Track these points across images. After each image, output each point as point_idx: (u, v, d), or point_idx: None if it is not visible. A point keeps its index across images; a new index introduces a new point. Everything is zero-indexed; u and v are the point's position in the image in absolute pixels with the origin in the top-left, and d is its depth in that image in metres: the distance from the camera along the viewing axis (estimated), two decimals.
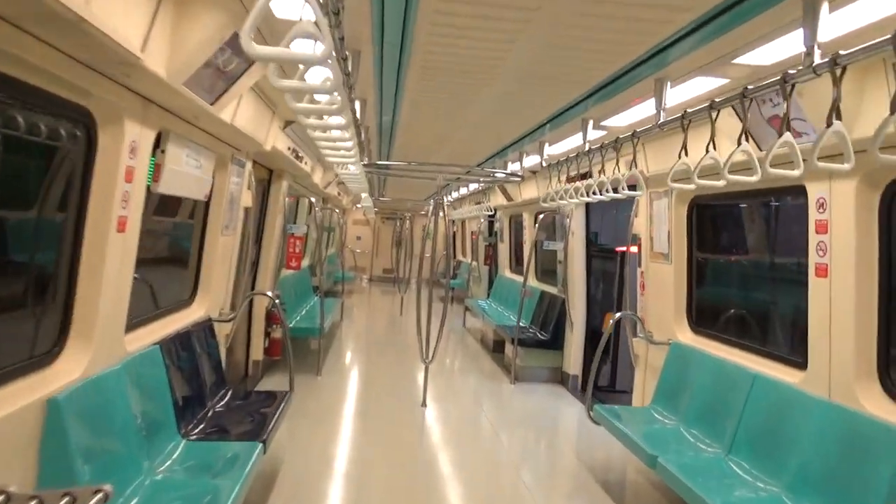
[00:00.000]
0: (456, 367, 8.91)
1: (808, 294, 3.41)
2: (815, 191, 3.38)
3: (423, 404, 6.41)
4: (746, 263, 4.96)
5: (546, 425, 6.56)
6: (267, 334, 7.13)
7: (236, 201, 4.82)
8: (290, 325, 7.43)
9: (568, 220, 7.58)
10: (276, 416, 4.03)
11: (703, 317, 4.94)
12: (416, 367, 7.76)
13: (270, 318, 7.12)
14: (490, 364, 8.86)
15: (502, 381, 7.86)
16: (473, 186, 10.96)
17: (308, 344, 7.92)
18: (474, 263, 14.14)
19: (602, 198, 4.93)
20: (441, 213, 6.31)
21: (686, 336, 4.89)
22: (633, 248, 7.60)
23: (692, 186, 3.48)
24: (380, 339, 10.99)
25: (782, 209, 4.15)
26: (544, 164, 5.81)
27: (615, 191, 4.76)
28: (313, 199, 7.43)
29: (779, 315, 4.31)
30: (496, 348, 9.44)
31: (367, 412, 6.26)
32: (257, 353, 7.06)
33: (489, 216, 12.77)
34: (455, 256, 18.45)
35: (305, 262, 11.05)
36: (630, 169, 4.42)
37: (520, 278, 10.09)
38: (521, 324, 8.13)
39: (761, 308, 4.61)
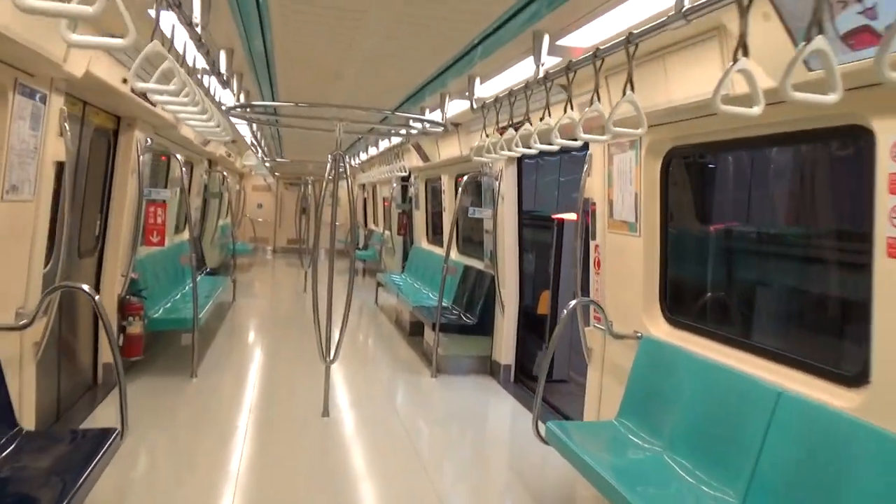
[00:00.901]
0: (367, 355, 7.62)
1: (874, 282, 2.33)
2: (888, 131, 2.27)
3: (325, 414, 5.10)
4: (750, 236, 3.90)
5: (474, 428, 5.41)
6: (122, 330, 5.57)
7: (30, 153, 3.27)
8: (154, 317, 5.90)
9: (497, 183, 6.37)
10: (81, 482, 2.61)
11: (682, 305, 3.88)
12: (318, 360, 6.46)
13: (125, 309, 5.57)
14: (406, 351, 7.62)
15: (421, 373, 6.64)
16: (386, 145, 9.54)
17: (180, 339, 6.39)
18: (387, 233, 12.79)
19: (550, 147, 3.72)
20: (343, 171, 4.93)
21: (660, 329, 3.80)
22: (572, 216, 6.52)
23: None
24: (279, 322, 9.49)
25: (815, 160, 3.05)
26: (474, 105, 4.51)
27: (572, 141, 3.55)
28: (179, 157, 5.84)
29: (808, 307, 3.27)
30: (413, 331, 8.20)
31: (256, 424, 4.89)
32: (109, 353, 5.51)
33: (402, 179, 11.43)
34: (366, 225, 17.00)
35: (185, 235, 9.38)
36: (591, 104, 3.21)
37: (438, 250, 8.86)
38: (442, 305, 6.92)
39: (773, 296, 3.57)
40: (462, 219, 8.17)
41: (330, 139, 7.56)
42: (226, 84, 4.23)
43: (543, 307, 6.57)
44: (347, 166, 4.93)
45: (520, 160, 6.37)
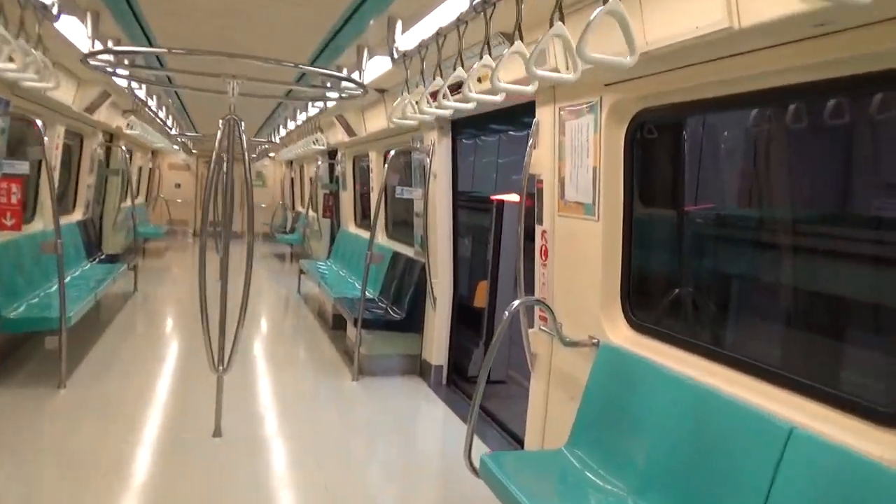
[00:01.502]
0: (280, 355, 6.71)
1: None
2: None
3: (217, 433, 4.22)
4: (748, 221, 3.20)
5: (398, 445, 4.64)
6: None
7: None
8: (9, 317, 4.84)
9: (428, 159, 5.55)
10: None
11: (650, 305, 3.19)
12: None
13: None
14: (329, 348, 6.75)
15: (343, 375, 5.80)
16: (305, 116, 8.55)
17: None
18: (313, 215, 11.81)
19: (491, 98, 2.96)
20: (240, 142, 4.01)
21: (621, 335, 3.09)
22: (514, 197, 5.79)
23: None
24: (183, 316, 8.37)
25: (840, 121, 2.34)
26: (395, 54, 3.65)
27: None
28: (40, 123, 4.76)
29: (827, 315, 2.59)
30: (337, 324, 7.33)
31: (132, 447, 3.96)
32: None
33: (330, 156, 10.48)
34: (293, 207, 15.91)
35: (77, 216, 8.18)
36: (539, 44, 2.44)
37: (367, 235, 8.02)
38: (366, 296, 6.09)
39: (777, 299, 2.88)
40: (393, 200, 7.34)
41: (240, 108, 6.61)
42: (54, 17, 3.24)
43: (481, 300, 5.83)
44: (243, 136, 4.01)
45: (454, 135, 5.57)
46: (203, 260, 4.11)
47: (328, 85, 5.25)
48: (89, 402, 4.78)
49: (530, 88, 2.86)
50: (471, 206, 6.14)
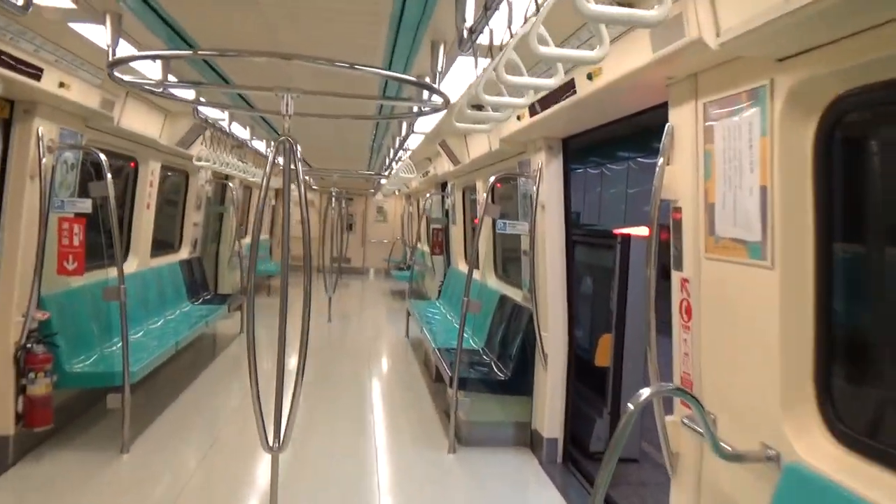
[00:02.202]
0: (369, 415, 5.83)
1: None
2: None
3: None
4: None
5: None
6: (22, 390, 4.12)
7: None
8: (71, 371, 4.41)
9: (535, 186, 4.60)
10: None
11: (867, 408, 2.02)
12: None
13: (26, 363, 4.12)
14: (429, 407, 5.87)
15: (440, 444, 4.90)
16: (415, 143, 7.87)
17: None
18: (427, 251, 11.15)
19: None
20: (294, 167, 3.28)
21: (819, 450, 1.94)
22: (643, 231, 4.70)
23: None
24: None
25: None
26: (465, 35, 2.68)
27: None
28: (103, 157, 4.34)
29: None
30: (440, 377, 6.45)
31: None
32: (5, 423, 4.07)
33: (442, 188, 9.79)
34: (412, 242, 15.41)
35: (183, 254, 7.99)
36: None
37: (479, 274, 7.16)
38: (464, 348, 5.20)
39: None
40: (501, 235, 6.44)
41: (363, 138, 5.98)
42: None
43: (603, 357, 4.73)
44: (299, 163, 3.29)
45: (567, 157, 4.59)
46: (250, 318, 3.39)
47: (407, 98, 4.48)
48: (151, 470, 4.22)
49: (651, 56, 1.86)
50: (590, 243, 5.10)
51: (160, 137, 5.82)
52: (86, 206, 4.36)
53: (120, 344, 5.18)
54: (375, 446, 4.85)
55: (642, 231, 4.54)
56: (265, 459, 3.92)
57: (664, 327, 2.70)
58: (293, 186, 3.44)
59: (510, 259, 6.92)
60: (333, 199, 11.28)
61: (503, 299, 5.81)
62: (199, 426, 5.12)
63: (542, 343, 4.60)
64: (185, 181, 8.11)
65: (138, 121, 5.26)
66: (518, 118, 4.26)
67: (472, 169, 6.90)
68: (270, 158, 3.37)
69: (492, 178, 4.81)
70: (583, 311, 5.18)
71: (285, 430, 3.39)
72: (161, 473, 4.20)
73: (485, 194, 4.85)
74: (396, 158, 8.46)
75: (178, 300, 7.22)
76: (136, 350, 5.18)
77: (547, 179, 4.53)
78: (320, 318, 10.26)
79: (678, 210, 2.58)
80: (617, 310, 4.64)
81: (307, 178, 14.92)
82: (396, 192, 18.10)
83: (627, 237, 4.50)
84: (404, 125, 5.62)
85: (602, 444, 4.72)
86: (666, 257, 2.73)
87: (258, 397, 3.31)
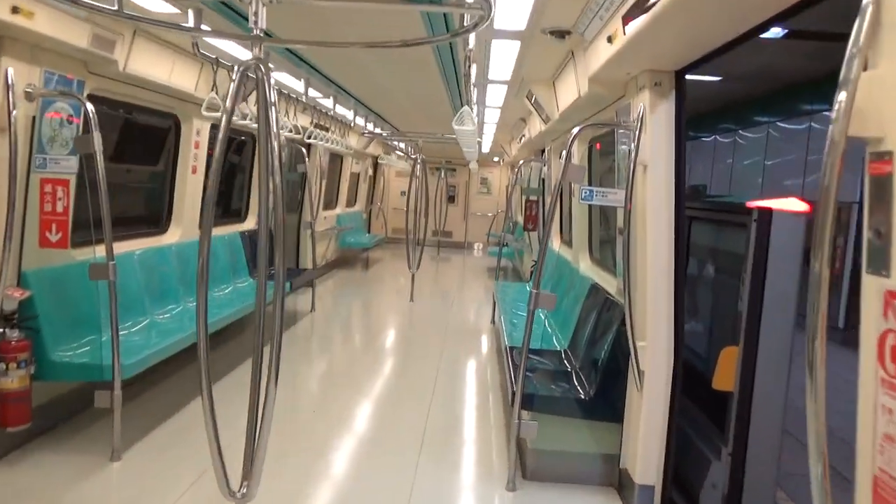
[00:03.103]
0: (428, 423, 4.73)
1: None
2: None
3: None
4: None
5: None
6: None
7: None
8: (56, 360, 3.71)
9: (633, 139, 3.31)
10: None
11: None
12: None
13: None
14: (497, 428, 4.63)
15: (497, 478, 3.79)
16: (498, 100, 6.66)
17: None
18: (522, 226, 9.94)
19: None
20: (263, 97, 2.28)
21: None
22: (796, 204, 3.30)
23: None
24: (341, 360, 6.60)
25: None
26: None
27: None
28: (90, 108, 3.53)
29: None
30: None
31: None
32: None
33: (540, 155, 8.54)
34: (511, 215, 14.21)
35: (249, 224, 7.33)
36: None
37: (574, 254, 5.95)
38: (544, 349, 4.07)
39: None
40: (594, 208, 5.18)
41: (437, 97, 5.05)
42: None
43: (724, 378, 3.41)
44: (271, 91, 2.30)
45: (680, 99, 3.27)
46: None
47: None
48: (141, 484, 3.46)
49: None
50: (711, 219, 3.75)
51: (196, 90, 5.03)
52: (70, 164, 3.60)
53: (134, 328, 4.50)
54: (414, 474, 3.81)
55: (789, 204, 3.16)
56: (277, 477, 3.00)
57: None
58: (267, 131, 2.45)
59: (610, 237, 5.63)
60: (418, 166, 10.28)
61: (594, 289, 4.58)
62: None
63: (636, 356, 3.35)
64: (253, 143, 7.42)
65: (160, 69, 4.47)
66: (609, 39, 3.00)
67: (566, 127, 5.64)
68: (232, 90, 2.38)
69: (575, 130, 3.55)
70: (697, 312, 3.87)
71: (253, 471, 2.44)
72: (152, 489, 3.42)
73: (563, 152, 3.60)
74: (480, 117, 7.29)
75: (232, 275, 6.55)
76: (151, 335, 4.47)
77: (651, 130, 3.24)
78: (400, 299, 9.37)
79: (885, 157, 1.30)
80: (748, 313, 3.30)
81: (397, 142, 14.10)
82: (499, 161, 16.90)
83: (768, 212, 3.13)
84: (473, 69, 4.47)
85: (718, 496, 3.44)
86: (835, 250, 1.45)
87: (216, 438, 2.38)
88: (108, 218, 3.57)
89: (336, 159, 11.74)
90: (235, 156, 7.59)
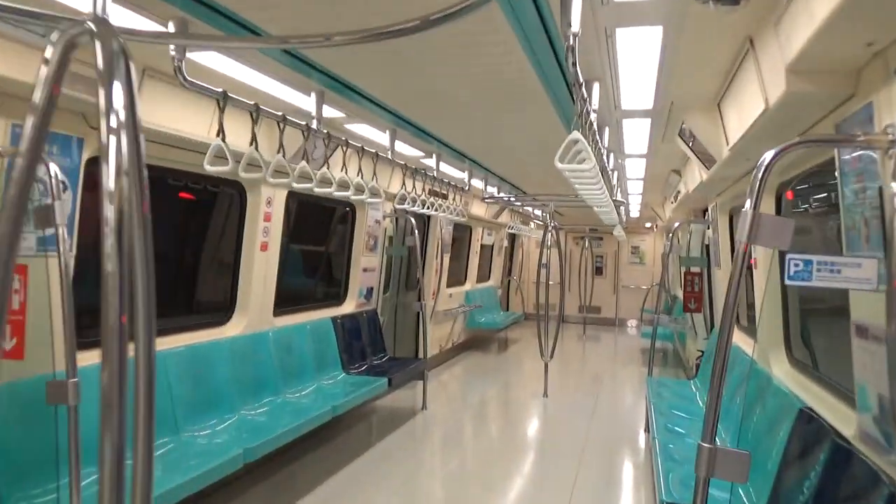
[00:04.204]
0: None
1: None
2: None
3: None
4: None
5: None
6: None
7: None
8: None
9: (881, 167, 1.75)
10: None
11: None
12: None
13: None
14: None
15: None
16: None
17: None
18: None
19: None
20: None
21: None
22: None
23: None
24: (449, 489, 4.92)
25: None
26: None
27: None
28: (54, 171, 2.61)
29: None
30: None
31: None
32: None
33: (702, 213, 6.84)
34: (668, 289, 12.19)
35: (348, 308, 6.31)
36: None
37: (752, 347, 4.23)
38: None
39: None
40: (795, 289, 3.46)
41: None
42: None
43: None
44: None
45: None
46: None
47: None
48: None
49: None
50: None
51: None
52: (28, 245, 2.67)
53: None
54: None
55: None
56: None
57: None
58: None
59: (821, 325, 3.83)
60: (550, 233, 8.88)
61: (804, 417, 2.85)
62: None
63: None
64: (352, 216, 6.49)
65: (196, 122, 3.57)
66: None
67: (739, 171, 4.03)
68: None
69: (767, 156, 2.02)
70: None
71: None
72: None
73: (748, 200, 2.05)
74: (613, 172, 5.74)
75: (320, 370, 5.46)
76: (171, 465, 3.38)
77: None
78: (534, 393, 7.80)
79: None
80: None
81: (530, 208, 12.69)
82: (652, 227, 15.01)
83: None
84: (596, 91, 3.10)
85: None
86: None
87: None
88: (72, 319, 2.56)
89: (464, 230, 10.66)
90: (340, 225, 6.69)
